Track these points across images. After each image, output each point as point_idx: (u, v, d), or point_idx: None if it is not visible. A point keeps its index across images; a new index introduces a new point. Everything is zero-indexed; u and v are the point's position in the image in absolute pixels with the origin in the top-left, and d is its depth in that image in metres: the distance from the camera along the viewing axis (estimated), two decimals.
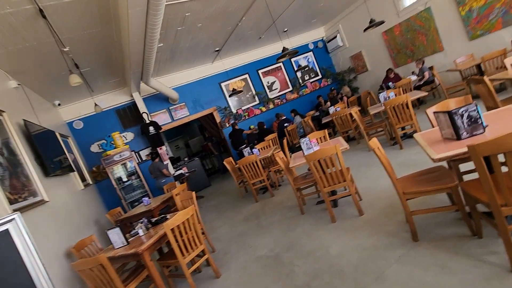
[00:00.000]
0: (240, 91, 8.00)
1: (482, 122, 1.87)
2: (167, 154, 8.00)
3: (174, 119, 8.21)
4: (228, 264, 3.21)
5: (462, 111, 1.88)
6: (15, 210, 2.84)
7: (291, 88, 9.79)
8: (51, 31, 3.48)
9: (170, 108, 8.16)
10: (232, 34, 6.76)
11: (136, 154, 7.63)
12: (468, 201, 1.99)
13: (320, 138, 4.17)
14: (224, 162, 5.80)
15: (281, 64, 9.69)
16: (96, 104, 5.60)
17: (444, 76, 6.94)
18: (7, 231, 2.05)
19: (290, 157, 4.24)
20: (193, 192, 3.60)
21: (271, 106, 9.37)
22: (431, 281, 1.84)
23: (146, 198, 4.91)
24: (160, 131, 7.61)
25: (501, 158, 1.51)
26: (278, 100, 9.52)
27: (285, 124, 7.91)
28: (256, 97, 9.32)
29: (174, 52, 6.48)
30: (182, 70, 8.27)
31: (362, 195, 3.47)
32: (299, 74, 10.00)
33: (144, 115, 7.45)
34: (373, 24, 5.51)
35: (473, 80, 3.17)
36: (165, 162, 7.32)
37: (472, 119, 1.88)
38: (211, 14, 5.19)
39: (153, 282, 2.69)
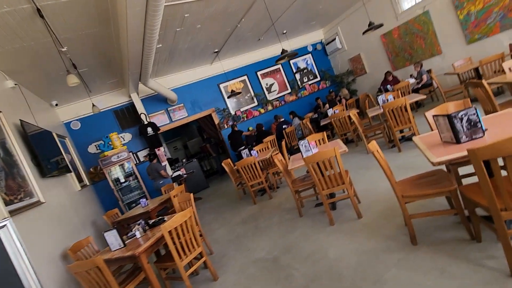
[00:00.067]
0: (239, 93, 7.99)
1: (481, 126, 1.87)
2: (165, 155, 7.98)
3: (173, 120, 8.18)
4: (226, 266, 3.19)
5: (462, 115, 1.88)
6: (10, 212, 2.81)
7: (289, 90, 9.80)
8: (48, 31, 3.46)
9: (168, 109, 8.14)
10: (231, 36, 6.76)
11: (134, 155, 7.59)
12: (467, 205, 1.98)
13: (319, 140, 4.17)
14: (223, 164, 5.78)
15: (280, 66, 9.70)
16: (93, 105, 5.57)
17: (442, 79, 6.96)
18: None
19: (289, 159, 4.23)
20: (191, 194, 3.58)
21: (269, 107, 9.37)
22: (430, 285, 1.83)
23: (144, 200, 4.87)
24: (158, 132, 7.58)
25: (500, 161, 1.51)
26: (277, 102, 9.52)
27: (284, 126, 7.91)
28: (255, 99, 9.32)
29: (173, 53, 6.47)
30: (181, 71, 8.26)
31: (360, 197, 3.46)
32: (298, 76, 10.01)
33: (142, 116, 7.42)
34: (372, 27, 5.52)
35: (472, 84, 3.17)
36: (163, 163, 7.28)
37: (472, 123, 1.88)
38: (210, 15, 5.19)
39: (150, 285, 2.66)
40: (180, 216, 2.74)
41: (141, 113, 7.42)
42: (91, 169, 6.96)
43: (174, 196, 4.18)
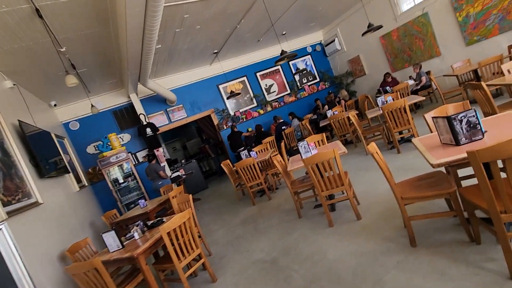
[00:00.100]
0: (238, 94, 7.99)
1: (481, 128, 1.87)
2: (164, 156, 7.96)
3: (172, 120, 8.17)
4: (225, 268, 3.18)
5: (461, 117, 1.88)
6: (8, 213, 2.79)
7: (289, 91, 9.80)
8: (47, 31, 3.45)
9: (167, 109, 8.12)
10: (230, 37, 6.75)
11: (133, 155, 7.57)
12: (467, 207, 1.98)
13: (318, 141, 4.16)
14: (222, 165, 5.77)
15: (279, 67, 9.70)
16: (92, 105, 5.56)
17: (441, 81, 6.98)
18: None
19: (288, 160, 4.22)
20: (190, 195, 3.57)
21: (269, 108, 9.36)
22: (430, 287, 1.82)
23: (142, 201, 4.86)
24: (157, 133, 7.57)
25: (499, 163, 1.51)
26: (276, 103, 9.52)
27: (283, 127, 7.90)
28: (254, 100, 9.32)
29: (172, 54, 6.46)
30: (180, 72, 8.25)
31: (359, 199, 3.46)
32: (297, 77, 10.02)
33: (141, 117, 7.40)
34: (371, 28, 5.53)
35: (471, 85, 3.18)
36: (162, 164, 7.27)
37: (471, 125, 1.88)
38: (210, 16, 5.18)
39: (148, 287, 2.65)
40: (179, 217, 2.73)
41: (140, 114, 7.41)
42: (90, 170, 6.94)
43: (173, 197, 4.17)
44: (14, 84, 4.33)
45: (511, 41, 5.58)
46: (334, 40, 9.77)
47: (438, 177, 2.26)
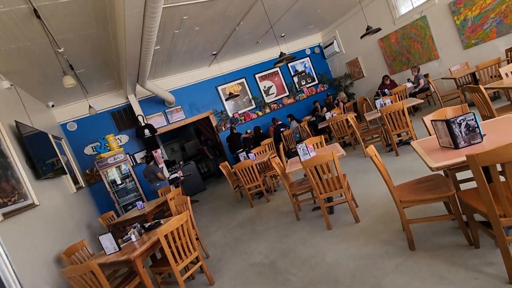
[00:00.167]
0: (237, 95, 7.98)
1: (480, 131, 1.87)
2: (162, 157, 7.93)
3: (170, 122, 8.15)
4: (222, 271, 3.15)
5: (460, 120, 1.88)
6: (4, 214, 2.76)
7: (287, 93, 9.81)
8: (45, 32, 3.43)
9: (166, 111, 8.10)
10: (229, 38, 6.76)
11: (131, 157, 7.54)
12: (465, 211, 1.97)
13: (317, 143, 4.16)
14: (220, 166, 5.76)
15: (278, 69, 9.71)
16: (90, 106, 5.53)
17: (439, 84, 7.01)
18: None
19: (286, 162, 4.21)
20: (188, 197, 3.55)
21: (267, 110, 9.36)
22: None
23: (140, 202, 4.83)
24: (156, 134, 7.54)
25: (498, 166, 1.50)
26: (275, 105, 9.52)
27: (281, 129, 7.90)
28: (253, 102, 9.31)
29: (171, 55, 6.45)
30: (179, 73, 8.24)
31: (358, 201, 3.45)
32: (295, 79, 10.03)
33: (140, 118, 7.38)
34: (369, 31, 5.55)
35: (469, 89, 3.19)
36: (160, 166, 7.24)
37: (470, 128, 1.87)
38: (209, 18, 5.18)
39: None
40: (176, 219, 2.71)
41: (138, 115, 7.38)
42: (87, 171, 6.90)
43: (170, 199, 4.15)
44: (11, 85, 4.30)
45: (508, 44, 5.62)
46: (332, 42, 9.80)
47: (437, 180, 2.25)
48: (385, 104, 4.88)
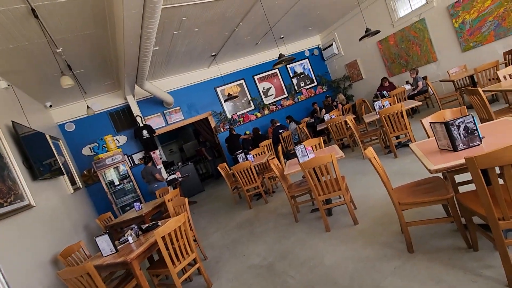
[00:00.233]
0: (236, 97, 7.97)
1: (478, 134, 1.87)
2: (161, 158, 7.90)
3: (169, 123, 8.13)
4: (220, 273, 3.13)
5: (459, 122, 1.88)
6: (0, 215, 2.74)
7: (286, 95, 9.81)
8: (43, 32, 3.41)
9: (164, 112, 8.09)
10: (229, 40, 6.76)
11: (129, 157, 7.51)
12: (464, 213, 1.97)
13: (315, 145, 4.15)
14: (218, 168, 5.74)
15: (277, 70, 9.72)
16: (88, 107, 5.51)
17: (437, 86, 7.03)
18: None
19: (285, 164, 4.20)
20: (186, 199, 3.53)
21: (266, 112, 9.36)
22: None
23: (138, 203, 4.80)
24: (154, 135, 7.52)
25: (496, 169, 1.50)
26: (274, 106, 9.52)
27: (280, 131, 7.90)
28: (252, 103, 9.31)
29: (170, 56, 6.44)
30: (178, 74, 8.23)
31: (356, 203, 3.45)
32: (294, 80, 10.04)
33: (138, 119, 7.36)
34: (368, 33, 5.56)
35: (468, 91, 3.19)
36: (158, 167, 7.22)
37: (469, 131, 1.87)
38: (208, 19, 5.18)
39: None
40: (174, 221, 2.69)
41: (136, 116, 7.36)
42: (85, 172, 6.87)
43: (168, 200, 4.13)
44: (8, 85, 4.27)
45: (506, 47, 5.64)
46: (331, 44, 9.83)
47: (436, 183, 2.25)
48: (383, 106, 4.88)
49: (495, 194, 1.51)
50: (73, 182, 5.65)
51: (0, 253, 2.65)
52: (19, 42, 3.59)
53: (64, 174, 5.08)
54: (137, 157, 7.61)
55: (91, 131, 7.12)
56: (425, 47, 7.27)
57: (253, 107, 9.31)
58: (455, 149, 1.90)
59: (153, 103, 7.93)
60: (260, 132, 8.20)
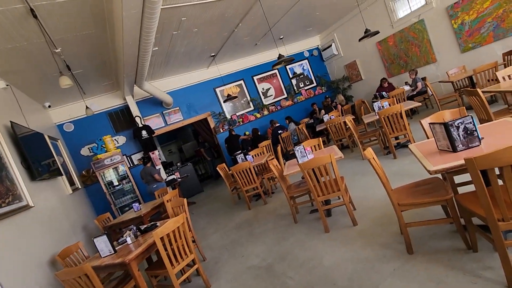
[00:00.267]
0: (235, 97, 7.97)
1: (478, 135, 1.86)
2: (160, 158, 7.89)
3: (168, 123, 8.12)
4: (219, 274, 3.12)
5: (458, 123, 1.87)
6: None
7: (286, 95, 9.81)
8: (42, 32, 3.40)
9: (163, 112, 8.08)
10: (228, 40, 6.75)
11: (128, 158, 7.50)
12: (463, 214, 1.96)
13: (315, 146, 4.15)
14: (217, 168, 5.73)
15: (276, 71, 9.72)
16: (87, 107, 5.49)
17: (436, 87, 7.03)
18: None
19: (284, 164, 4.20)
20: (185, 199, 3.52)
21: (265, 112, 9.36)
22: None
23: (136, 204, 4.79)
24: (153, 136, 7.50)
25: (495, 170, 1.49)
26: (273, 107, 9.52)
27: (279, 131, 7.89)
28: (251, 103, 9.31)
29: (169, 56, 6.43)
30: (177, 75, 8.22)
31: (356, 204, 3.44)
32: (294, 81, 10.04)
33: (137, 119, 7.34)
34: (368, 34, 5.56)
35: (467, 92, 3.19)
36: (157, 167, 7.20)
37: (468, 131, 1.87)
38: (207, 19, 5.18)
39: None
40: (172, 222, 2.68)
41: (135, 116, 7.35)
42: (84, 172, 6.85)
43: (167, 201, 4.11)
44: (7, 85, 4.26)
45: (505, 48, 5.65)
46: (331, 45, 9.84)
47: (435, 184, 2.24)
48: (383, 106, 4.88)
49: (494, 195, 1.51)
50: (71, 183, 5.64)
51: None
52: (18, 42, 3.58)
53: (62, 175, 5.07)
54: (136, 157, 7.60)
55: (90, 132, 7.11)
56: (424, 48, 7.28)
57: (252, 108, 9.31)
58: (454, 150, 1.90)
59: (152, 104, 7.92)
60: (259, 133, 8.20)
